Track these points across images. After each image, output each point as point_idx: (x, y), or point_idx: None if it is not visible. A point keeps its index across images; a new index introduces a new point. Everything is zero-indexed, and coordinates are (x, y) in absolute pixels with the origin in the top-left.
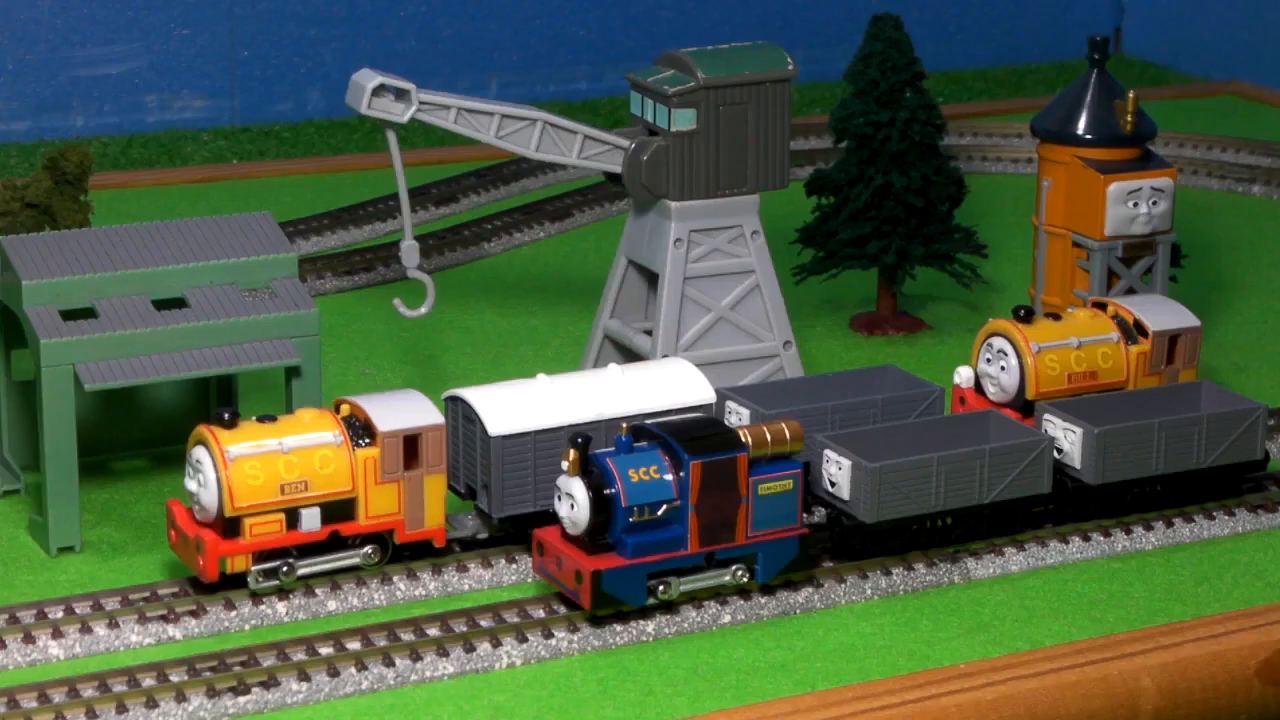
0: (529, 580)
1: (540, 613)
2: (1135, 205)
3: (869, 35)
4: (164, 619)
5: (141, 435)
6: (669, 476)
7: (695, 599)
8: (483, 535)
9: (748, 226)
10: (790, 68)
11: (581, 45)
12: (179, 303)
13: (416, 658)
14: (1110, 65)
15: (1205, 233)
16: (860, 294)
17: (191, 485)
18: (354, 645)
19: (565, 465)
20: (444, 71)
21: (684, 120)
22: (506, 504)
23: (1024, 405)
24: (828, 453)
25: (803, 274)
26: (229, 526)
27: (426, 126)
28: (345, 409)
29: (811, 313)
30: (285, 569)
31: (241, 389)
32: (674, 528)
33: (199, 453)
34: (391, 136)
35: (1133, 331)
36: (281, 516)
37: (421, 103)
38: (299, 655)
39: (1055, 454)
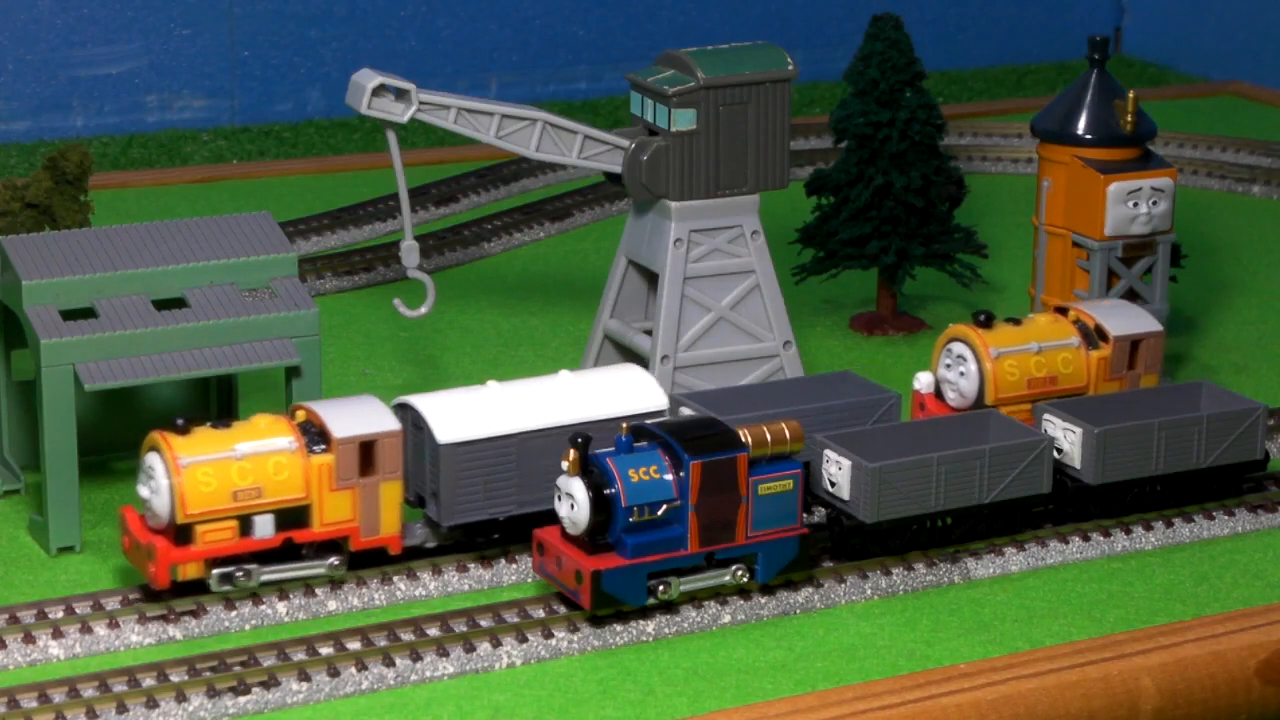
0: (529, 580)
1: (540, 613)
2: (1135, 205)
3: (869, 35)
4: (164, 619)
5: (142, 435)
6: (669, 476)
7: (695, 599)
8: (431, 544)
9: (748, 226)
10: (790, 68)
11: (581, 45)
12: (179, 303)
13: (416, 658)
14: (1110, 65)
15: (1205, 233)
16: (860, 294)
17: (144, 491)
18: (354, 645)
19: (565, 465)
20: (444, 71)
21: (684, 120)
22: (455, 512)
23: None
24: (828, 453)
25: (803, 274)
26: (180, 533)
27: (426, 126)
28: (301, 415)
29: (811, 313)
30: (242, 574)
31: (241, 389)
32: (674, 528)
33: (151, 459)
34: (391, 136)
35: (1094, 337)
36: (234, 523)
37: (421, 103)
38: (299, 655)
39: (1055, 454)
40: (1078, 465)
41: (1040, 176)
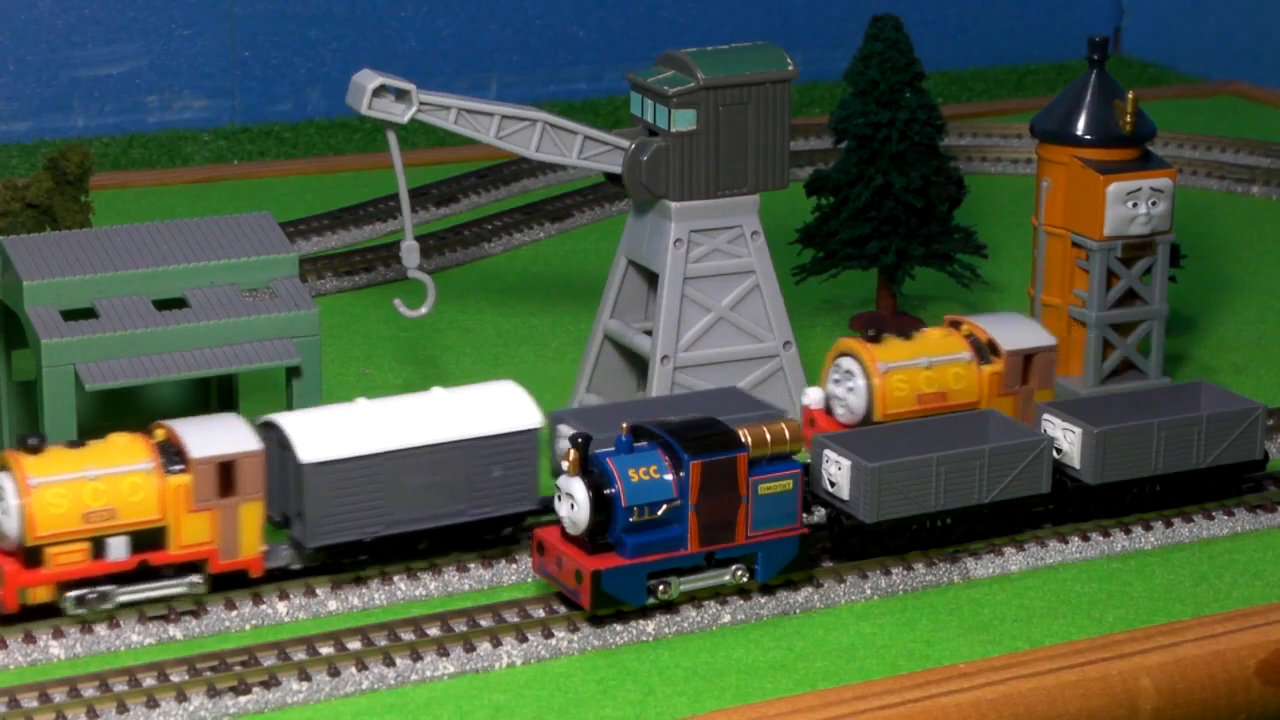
0: (529, 580)
1: (540, 613)
2: (1135, 205)
3: (869, 36)
4: (164, 619)
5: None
6: (669, 476)
7: (695, 599)
8: (296, 566)
9: (748, 227)
10: (790, 68)
11: (581, 45)
12: (179, 303)
13: (416, 658)
14: (1110, 65)
15: (1205, 233)
16: (860, 294)
17: None
18: (354, 645)
19: (566, 465)
20: (444, 71)
21: (684, 120)
22: (320, 534)
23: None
24: (827, 453)
25: (803, 274)
26: (30, 556)
27: (426, 126)
28: (160, 434)
29: (811, 313)
30: (94, 597)
31: (242, 389)
32: (674, 528)
33: (2, 479)
34: (392, 137)
35: (986, 351)
36: (87, 545)
37: (422, 103)
38: (299, 655)
39: (1055, 454)
40: (1077, 465)
41: (1040, 177)
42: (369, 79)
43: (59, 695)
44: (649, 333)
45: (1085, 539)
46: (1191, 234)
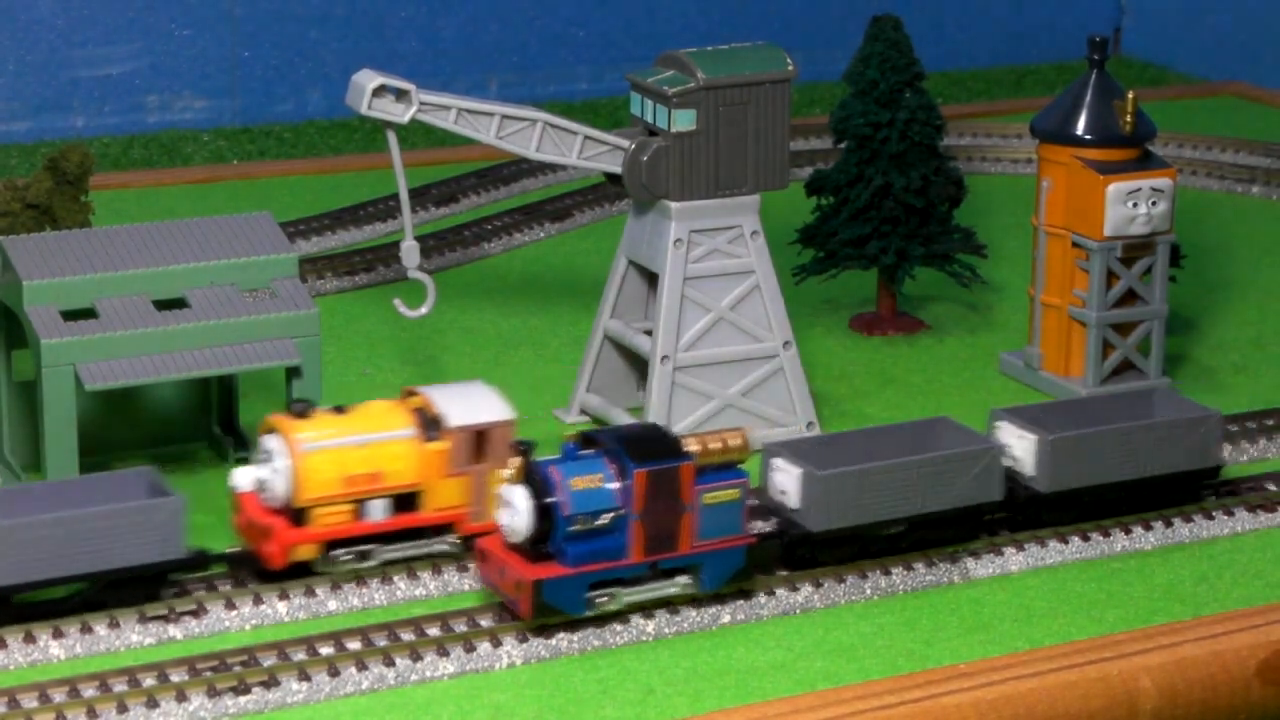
0: None
1: None
2: (1135, 206)
3: (869, 36)
4: (164, 619)
5: (142, 435)
6: (613, 485)
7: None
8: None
9: (748, 227)
10: (790, 68)
11: (581, 46)
12: (179, 303)
13: (416, 658)
14: (1110, 65)
15: (1205, 233)
16: (860, 294)
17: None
18: (354, 645)
19: (508, 473)
20: (444, 72)
21: (684, 121)
22: None
23: (297, 514)
24: (776, 460)
25: (803, 274)
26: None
27: (426, 127)
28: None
29: (811, 313)
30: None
31: (242, 389)
32: (617, 537)
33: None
34: (392, 137)
35: (432, 426)
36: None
37: (421, 103)
38: (299, 655)
39: (1008, 461)
40: (1031, 472)
41: (1040, 177)
42: (369, 79)
43: (59, 695)
44: (649, 333)
45: (1085, 539)
46: (1191, 234)
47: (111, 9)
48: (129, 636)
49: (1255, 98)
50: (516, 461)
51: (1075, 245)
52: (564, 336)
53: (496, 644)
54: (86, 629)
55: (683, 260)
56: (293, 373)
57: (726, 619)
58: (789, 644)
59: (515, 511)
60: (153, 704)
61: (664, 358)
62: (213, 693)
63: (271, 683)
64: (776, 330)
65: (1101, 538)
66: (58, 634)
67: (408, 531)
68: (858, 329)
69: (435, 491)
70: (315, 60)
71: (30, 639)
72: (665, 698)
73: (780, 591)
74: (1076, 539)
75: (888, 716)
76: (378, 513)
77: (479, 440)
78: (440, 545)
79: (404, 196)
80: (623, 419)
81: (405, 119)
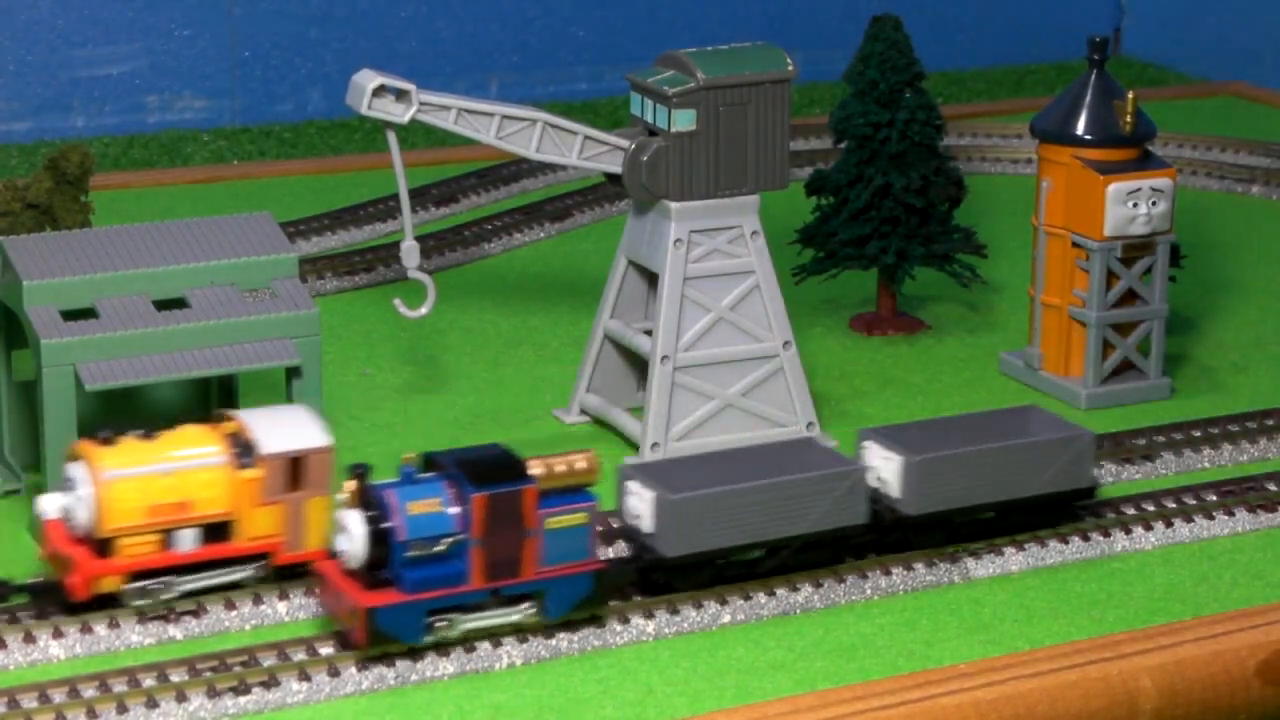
0: None
1: None
2: (1135, 206)
3: (869, 36)
4: (164, 619)
5: None
6: (452, 509)
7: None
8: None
9: (747, 227)
10: (790, 68)
11: (581, 45)
12: (179, 303)
13: (417, 658)
14: (1110, 66)
15: (1205, 233)
16: (860, 294)
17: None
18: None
19: (344, 496)
20: (444, 72)
21: (684, 121)
22: None
23: (101, 545)
24: (630, 484)
25: (803, 274)
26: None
27: (426, 127)
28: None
29: (811, 313)
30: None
31: (242, 389)
32: (456, 562)
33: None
34: (392, 137)
35: (246, 453)
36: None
37: (421, 103)
38: (299, 655)
39: (875, 483)
40: (897, 495)
41: (1040, 177)
42: (369, 79)
43: (59, 695)
44: (649, 333)
45: (1085, 539)
46: (1191, 234)
47: (111, 9)
48: (129, 636)
49: (1255, 98)
50: (353, 485)
51: (1075, 245)
52: (564, 336)
53: (496, 644)
54: (86, 629)
55: (683, 260)
56: (293, 373)
57: (726, 619)
58: (789, 644)
59: (350, 536)
60: (153, 704)
61: (664, 358)
62: (213, 693)
63: (271, 683)
64: (776, 330)
65: (1101, 538)
66: (58, 634)
67: (223, 562)
68: (858, 329)
69: (248, 520)
70: (315, 60)
71: (30, 639)
72: (665, 698)
73: (780, 591)
74: (1076, 539)
75: (888, 716)
76: (187, 543)
77: (294, 467)
78: (243, 574)
79: (404, 196)
80: (623, 419)
81: (405, 119)
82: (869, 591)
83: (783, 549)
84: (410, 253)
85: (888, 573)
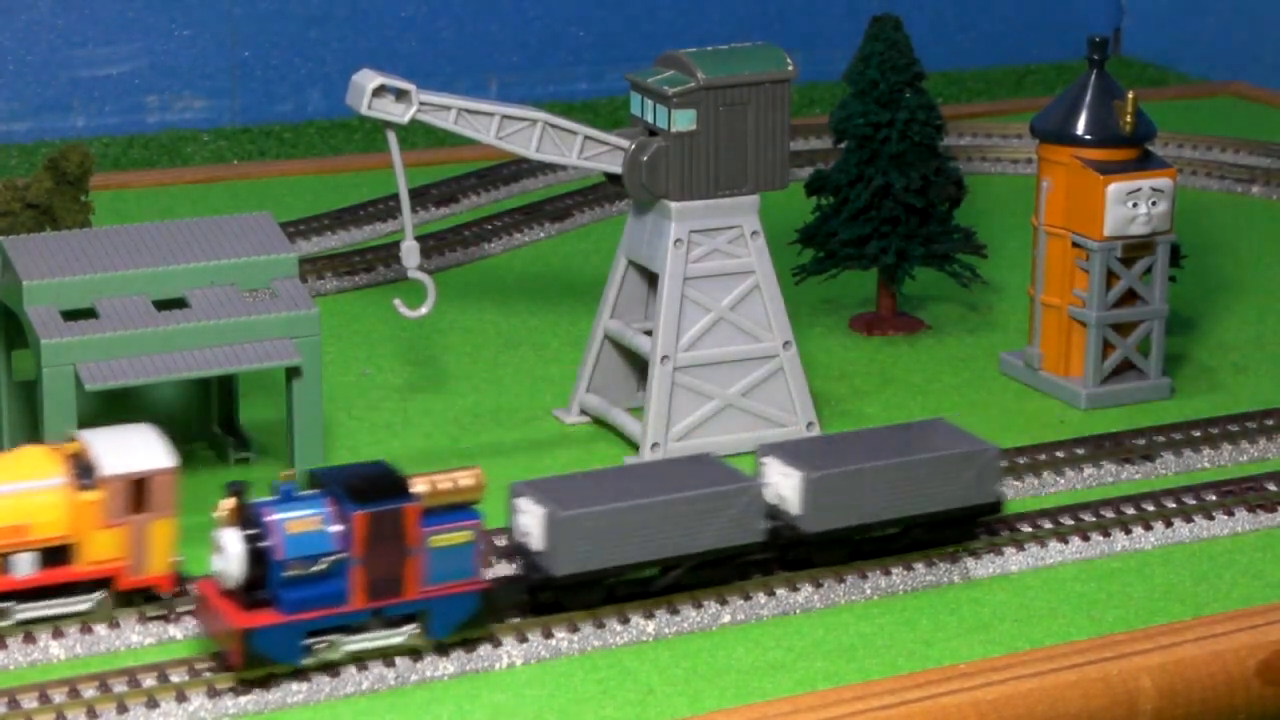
0: None
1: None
2: (1135, 206)
3: (869, 36)
4: (164, 619)
5: None
6: (332, 528)
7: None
8: None
9: (748, 227)
10: (790, 68)
11: (581, 45)
12: (179, 303)
13: (417, 658)
14: (1110, 66)
15: (1205, 233)
16: (860, 294)
17: None
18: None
19: (221, 514)
20: (444, 72)
21: (684, 121)
22: None
23: None
24: (519, 501)
25: (802, 274)
26: None
27: (426, 127)
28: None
29: (811, 313)
30: None
31: (242, 389)
32: (336, 582)
33: None
34: (392, 137)
35: (86, 474)
36: None
37: (421, 103)
38: None
39: (774, 500)
40: (796, 512)
41: (1040, 177)
42: (369, 79)
43: (59, 695)
44: (649, 333)
45: (1085, 539)
46: (1191, 234)
47: (111, 9)
48: (129, 636)
49: (1255, 98)
50: (231, 503)
51: (1075, 245)
52: (564, 336)
53: (496, 644)
54: (86, 629)
55: (683, 260)
56: (293, 373)
57: (726, 619)
58: (789, 644)
59: (227, 556)
60: (153, 704)
61: (664, 358)
62: (213, 693)
63: (271, 683)
64: (776, 330)
65: (1101, 537)
66: (58, 634)
67: (67, 587)
68: (858, 329)
69: (89, 544)
70: (315, 60)
71: (30, 639)
72: (665, 698)
73: (780, 591)
74: (1076, 539)
75: (887, 716)
76: (24, 567)
77: (137, 489)
78: (81, 605)
79: (404, 196)
80: (623, 419)
81: (405, 119)
82: (869, 591)
83: (677, 567)
84: (410, 253)
85: (888, 573)
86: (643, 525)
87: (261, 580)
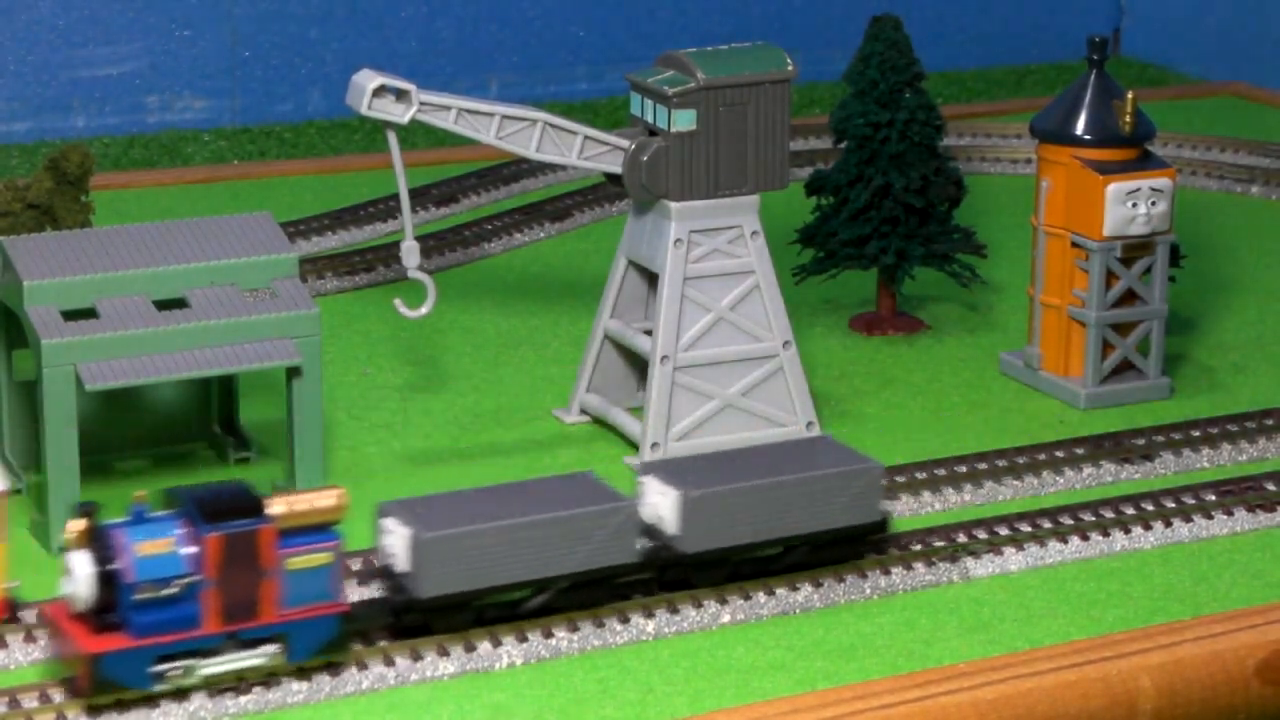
0: None
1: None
2: (1134, 206)
3: (868, 36)
4: None
5: (142, 435)
6: (184, 550)
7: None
8: None
9: (748, 227)
10: (790, 68)
11: (581, 46)
12: (180, 303)
13: (416, 657)
14: (1109, 66)
15: (1205, 233)
16: (860, 294)
17: None
18: (353, 645)
19: (69, 536)
20: (444, 72)
21: (684, 121)
22: None
23: None
24: (385, 521)
25: (802, 274)
26: None
27: (426, 127)
28: None
29: (811, 313)
30: None
31: (242, 389)
32: (189, 606)
33: None
34: (392, 137)
35: None
36: None
37: (422, 103)
38: None
39: (653, 519)
40: (674, 531)
41: (1039, 177)
42: (369, 79)
43: (59, 695)
44: (649, 333)
45: (1085, 539)
46: (1191, 234)
47: (111, 9)
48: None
49: (1255, 98)
50: (80, 524)
51: (1075, 245)
52: (564, 336)
53: (496, 644)
54: None
55: (683, 260)
56: (293, 373)
57: (726, 619)
58: (789, 644)
59: (75, 579)
60: (153, 704)
61: (664, 358)
62: (212, 693)
63: (271, 683)
64: (776, 330)
65: (1101, 537)
66: None
67: None
68: (858, 329)
69: None
70: (315, 60)
71: (30, 639)
72: (665, 698)
73: (780, 591)
74: (1076, 539)
75: (887, 716)
76: None
77: None
78: None
79: (404, 196)
80: (623, 419)
81: (405, 119)
82: (869, 591)
83: (548, 589)
84: (410, 253)
85: (887, 573)
86: (511, 546)
87: (112, 604)
